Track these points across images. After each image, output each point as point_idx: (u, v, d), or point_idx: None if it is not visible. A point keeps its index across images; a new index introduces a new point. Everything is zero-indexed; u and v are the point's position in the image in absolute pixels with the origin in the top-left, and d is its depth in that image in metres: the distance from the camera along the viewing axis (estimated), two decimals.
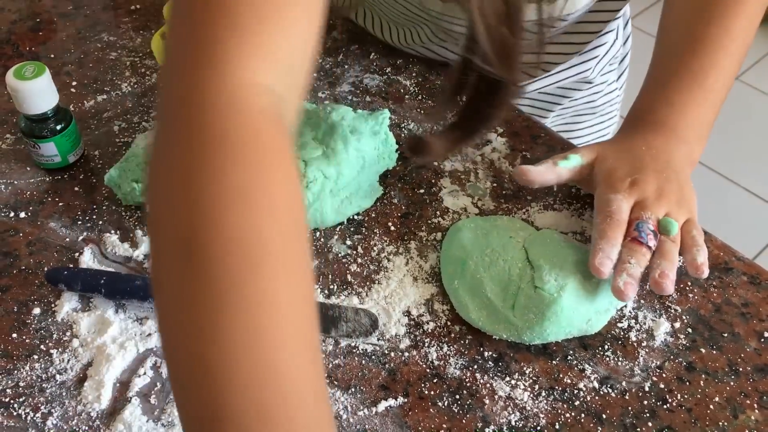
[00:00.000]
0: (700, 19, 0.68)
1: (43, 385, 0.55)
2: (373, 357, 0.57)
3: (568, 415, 0.54)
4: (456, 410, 0.54)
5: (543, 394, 0.55)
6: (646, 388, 0.55)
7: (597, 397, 0.55)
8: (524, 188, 0.69)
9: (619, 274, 0.56)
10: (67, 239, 0.64)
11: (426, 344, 0.57)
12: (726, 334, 0.58)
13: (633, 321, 0.59)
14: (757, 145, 2.13)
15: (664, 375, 0.56)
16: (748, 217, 1.95)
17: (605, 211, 0.59)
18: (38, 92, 0.64)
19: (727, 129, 2.14)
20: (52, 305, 0.59)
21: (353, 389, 0.55)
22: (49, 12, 0.88)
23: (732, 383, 0.56)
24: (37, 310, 0.59)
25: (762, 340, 0.58)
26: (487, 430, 0.53)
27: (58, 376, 0.55)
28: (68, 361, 0.56)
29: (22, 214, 0.66)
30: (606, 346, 0.58)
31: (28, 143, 0.68)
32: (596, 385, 0.55)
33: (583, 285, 0.57)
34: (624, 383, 0.55)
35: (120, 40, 0.84)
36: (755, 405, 0.54)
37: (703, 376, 0.56)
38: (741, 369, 0.56)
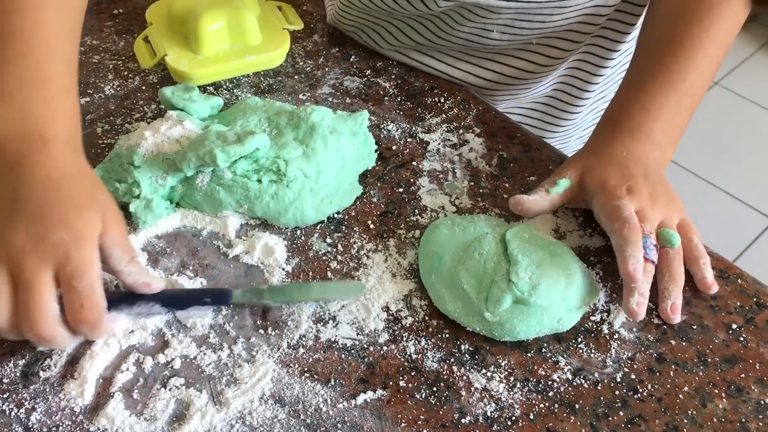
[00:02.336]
0: (681, 19, 0.69)
1: (27, 381, 0.55)
2: (353, 351, 0.58)
3: (542, 405, 0.55)
4: (433, 402, 0.55)
5: (518, 385, 0.56)
6: (618, 379, 0.57)
7: (570, 388, 0.56)
8: (500, 187, 0.70)
9: (631, 293, 0.58)
10: None
11: (404, 338, 0.59)
12: (695, 327, 0.60)
13: (605, 314, 0.61)
14: (737, 149, 2.16)
15: (635, 366, 0.57)
16: (729, 219, 1.98)
17: (621, 217, 0.61)
18: None
19: (707, 133, 2.18)
20: None
21: (333, 382, 0.56)
22: None
23: (701, 373, 0.57)
24: None
25: (730, 332, 0.60)
26: (463, 420, 0.54)
27: (41, 373, 0.56)
28: (52, 357, 0.57)
29: None
30: (579, 339, 0.59)
31: None
32: (569, 376, 0.57)
33: (557, 285, 0.58)
34: (596, 374, 0.57)
35: (103, 43, 0.85)
36: (723, 394, 0.56)
37: (673, 366, 0.58)
38: (709, 360, 0.58)
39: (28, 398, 0.54)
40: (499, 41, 0.78)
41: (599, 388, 0.56)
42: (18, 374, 0.56)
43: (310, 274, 0.63)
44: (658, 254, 0.62)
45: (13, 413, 0.54)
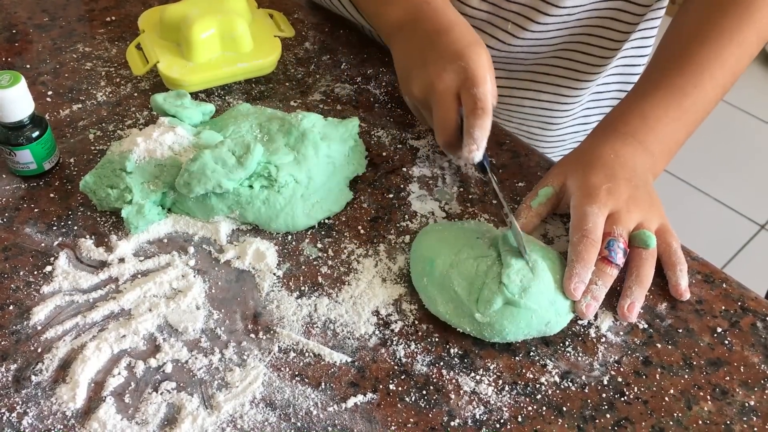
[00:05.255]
0: (694, 39, 0.70)
1: (19, 385, 0.56)
2: (343, 355, 0.58)
3: (530, 408, 0.56)
4: (423, 405, 0.56)
5: (506, 388, 0.57)
6: (605, 382, 0.57)
7: (558, 391, 0.57)
8: (489, 193, 0.71)
9: (584, 295, 0.60)
10: (43, 244, 0.65)
11: (394, 342, 0.59)
12: (681, 330, 0.61)
13: (592, 318, 0.61)
14: (726, 156, 2.18)
15: (621, 369, 0.58)
16: (719, 226, 1.99)
17: (582, 229, 0.62)
18: (14, 100, 0.65)
19: (697, 140, 2.19)
20: (28, 309, 0.60)
21: (323, 386, 0.56)
22: (24, 23, 0.90)
23: (686, 376, 0.58)
24: (12, 314, 0.60)
25: (715, 335, 0.61)
26: (452, 423, 0.55)
27: (33, 377, 0.56)
28: (43, 362, 0.57)
29: None
30: (567, 343, 0.60)
31: (3, 151, 0.69)
32: (557, 379, 0.57)
33: (547, 289, 0.59)
34: (584, 377, 0.58)
35: (95, 50, 0.86)
36: (708, 397, 0.57)
37: (659, 369, 0.58)
38: (695, 363, 0.59)
39: (20, 402, 0.55)
40: (479, 10, 0.80)
41: (586, 391, 0.57)
42: (10, 378, 0.56)
43: (301, 278, 0.63)
44: (631, 254, 0.62)
45: (5, 417, 0.54)
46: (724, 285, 0.64)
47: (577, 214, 0.63)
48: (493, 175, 0.65)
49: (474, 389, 0.57)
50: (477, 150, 0.63)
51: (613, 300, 0.63)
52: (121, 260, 0.64)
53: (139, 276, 0.63)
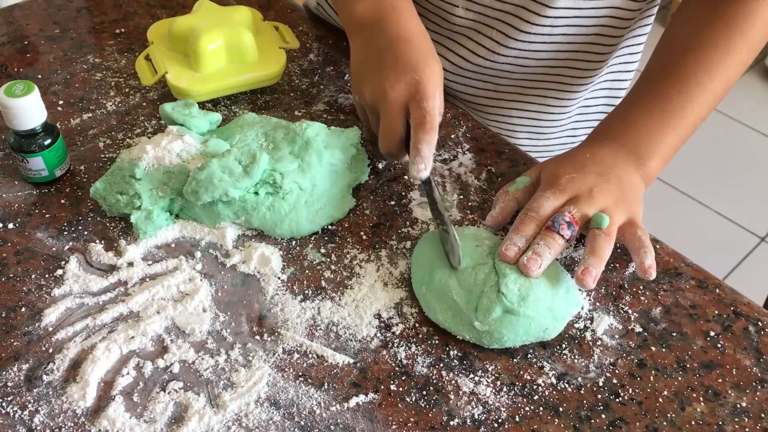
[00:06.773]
0: (679, 50, 0.71)
1: (30, 384, 0.57)
2: (346, 356, 0.60)
3: (527, 408, 0.57)
4: (423, 405, 0.57)
5: (504, 389, 0.58)
6: (600, 384, 0.59)
7: (554, 392, 0.58)
8: (488, 200, 0.73)
9: (527, 252, 0.61)
10: (54, 249, 0.67)
11: (395, 344, 0.61)
12: (675, 334, 0.63)
13: (589, 322, 0.63)
14: (726, 169, 2.19)
15: (617, 371, 0.60)
16: (719, 238, 2.00)
17: (525, 208, 0.65)
18: (27, 109, 0.67)
19: (697, 153, 2.21)
20: (39, 311, 0.62)
21: (326, 386, 0.58)
22: (36, 35, 0.92)
23: (680, 378, 0.59)
24: (24, 315, 0.62)
25: (708, 338, 0.62)
26: (452, 423, 0.56)
27: (44, 377, 0.58)
28: (54, 362, 0.59)
29: (11, 225, 0.69)
30: (563, 345, 0.61)
31: (16, 158, 0.71)
32: (554, 380, 0.59)
33: (545, 296, 0.60)
34: (580, 379, 0.59)
35: (105, 61, 0.88)
36: (701, 398, 0.58)
37: (653, 372, 0.60)
38: (688, 365, 0.60)
39: (32, 401, 0.56)
40: (464, 19, 0.82)
41: (582, 392, 0.58)
42: (22, 378, 0.58)
43: (305, 282, 0.65)
44: (586, 237, 0.64)
45: (17, 415, 0.55)
46: (717, 290, 0.66)
47: (532, 199, 0.66)
48: (438, 189, 0.64)
49: (473, 390, 0.58)
50: (425, 169, 0.64)
51: (607, 303, 0.64)
52: (130, 264, 0.66)
53: (148, 279, 0.65)
